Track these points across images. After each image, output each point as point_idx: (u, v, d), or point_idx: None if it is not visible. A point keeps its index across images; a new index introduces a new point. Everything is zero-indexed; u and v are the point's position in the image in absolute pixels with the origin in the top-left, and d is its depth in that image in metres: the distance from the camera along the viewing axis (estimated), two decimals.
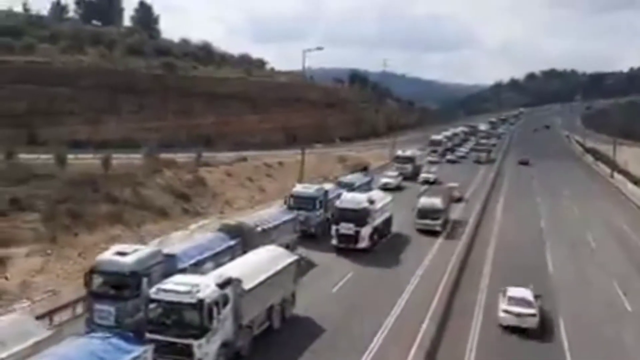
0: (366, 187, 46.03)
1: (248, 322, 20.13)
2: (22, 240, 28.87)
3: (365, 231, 33.00)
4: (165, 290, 18.15)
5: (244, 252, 24.38)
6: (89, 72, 64.53)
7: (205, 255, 23.26)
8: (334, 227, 33.45)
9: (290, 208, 34.01)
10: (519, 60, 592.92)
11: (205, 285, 18.40)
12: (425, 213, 38.34)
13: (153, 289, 18.38)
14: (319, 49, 54.63)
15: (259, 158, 59.83)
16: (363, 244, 32.90)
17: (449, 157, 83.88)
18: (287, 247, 27.38)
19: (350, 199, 34.51)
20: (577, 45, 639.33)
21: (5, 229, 29.15)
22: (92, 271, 20.21)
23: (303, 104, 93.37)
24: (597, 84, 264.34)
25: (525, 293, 23.87)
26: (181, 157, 50.58)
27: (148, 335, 17.57)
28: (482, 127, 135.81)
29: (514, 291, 23.91)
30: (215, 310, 18.06)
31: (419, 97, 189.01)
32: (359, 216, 32.87)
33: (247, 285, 19.83)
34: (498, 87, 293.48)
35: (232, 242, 25.34)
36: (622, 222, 46.79)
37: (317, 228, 35.37)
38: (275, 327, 22.20)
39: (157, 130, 61.39)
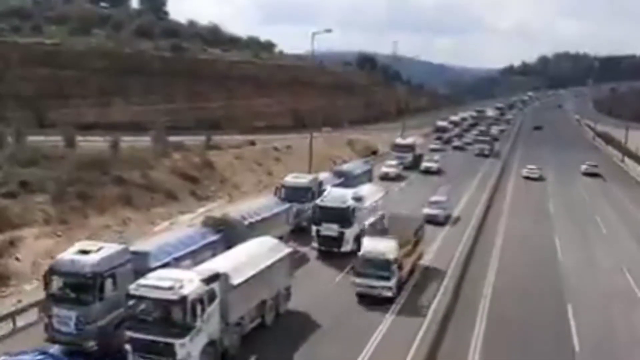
0: (366, 176, 43.31)
1: (237, 319, 19.03)
2: (33, 222, 29.01)
3: (351, 233, 29.20)
4: (145, 286, 16.87)
5: (229, 247, 22.56)
6: (97, 54, 64.35)
7: (183, 252, 21.22)
8: (314, 228, 29.82)
9: (280, 199, 31.71)
10: (530, 43, 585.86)
11: (189, 280, 17.16)
12: (367, 267, 23.84)
13: (133, 285, 17.10)
14: (328, 31, 54.05)
15: (267, 142, 59.68)
16: (348, 247, 29.13)
17: (455, 143, 79.91)
18: (279, 239, 25.36)
19: (334, 196, 30.68)
20: (591, 28, 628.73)
21: (15, 211, 29.28)
22: (50, 271, 18.31)
23: (312, 87, 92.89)
24: (610, 68, 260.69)
25: (535, 166, 58.59)
26: (189, 140, 50.53)
27: (127, 334, 16.80)
28: (490, 112, 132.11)
29: (529, 166, 58.74)
30: (199, 307, 16.89)
31: (429, 80, 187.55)
32: (343, 216, 29.24)
33: (235, 280, 18.63)
34: (509, 70, 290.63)
35: (213, 237, 23.44)
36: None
37: (309, 221, 31.82)
38: (267, 324, 21.15)
39: (165, 113, 61.30)
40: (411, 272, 26.62)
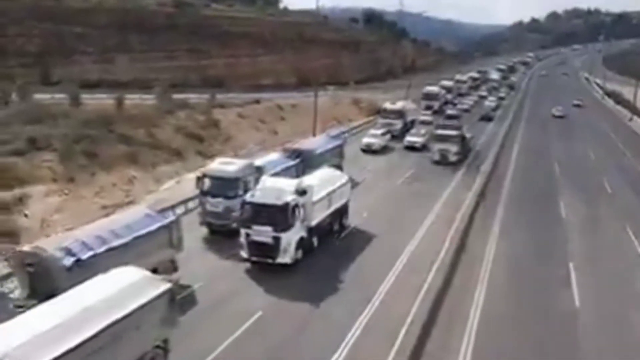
0: (334, 154, 35.12)
1: None
2: (40, 180, 29.34)
3: (289, 238, 22.17)
4: None
5: (30, 306, 14.30)
6: (99, 10, 63.56)
7: None
8: (242, 231, 22.48)
9: (203, 193, 25.72)
10: None
11: None
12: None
13: None
14: None
15: (271, 100, 59.36)
16: (286, 257, 22.16)
17: (449, 111, 66.29)
18: (154, 272, 17.51)
19: (268, 188, 23.29)
20: None
21: (23, 168, 29.59)
22: None
23: (317, 44, 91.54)
24: (621, 24, 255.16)
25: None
26: (193, 98, 50.40)
27: None
28: (494, 75, 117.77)
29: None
30: None
31: (436, 37, 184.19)
32: (279, 216, 22.05)
33: None
34: (518, 27, 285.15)
35: None
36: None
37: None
38: None
39: (168, 71, 60.95)
40: None
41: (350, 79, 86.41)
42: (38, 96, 40.84)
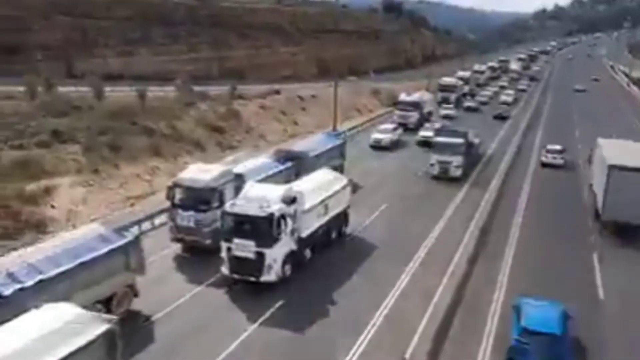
0: (333, 155, 31.42)
1: None
2: (65, 171, 29.81)
3: (274, 254, 19.75)
4: None
5: None
6: (121, 3, 64.08)
7: None
8: (223, 245, 20.13)
9: (174, 206, 22.75)
10: None
11: None
12: None
13: None
14: None
15: (292, 91, 59.36)
16: (271, 275, 19.74)
17: (467, 103, 65.03)
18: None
19: (252, 197, 20.60)
20: None
21: (49, 160, 30.11)
22: None
23: (336, 34, 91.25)
24: None
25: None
26: (214, 90, 50.65)
27: None
28: (514, 65, 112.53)
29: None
30: None
31: (457, 26, 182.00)
32: (264, 229, 19.53)
33: None
34: (542, 14, 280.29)
35: None
36: None
37: (215, 238, 21.58)
38: None
39: (189, 63, 61.33)
40: None
41: (370, 69, 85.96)
42: (62, 89, 41.45)
